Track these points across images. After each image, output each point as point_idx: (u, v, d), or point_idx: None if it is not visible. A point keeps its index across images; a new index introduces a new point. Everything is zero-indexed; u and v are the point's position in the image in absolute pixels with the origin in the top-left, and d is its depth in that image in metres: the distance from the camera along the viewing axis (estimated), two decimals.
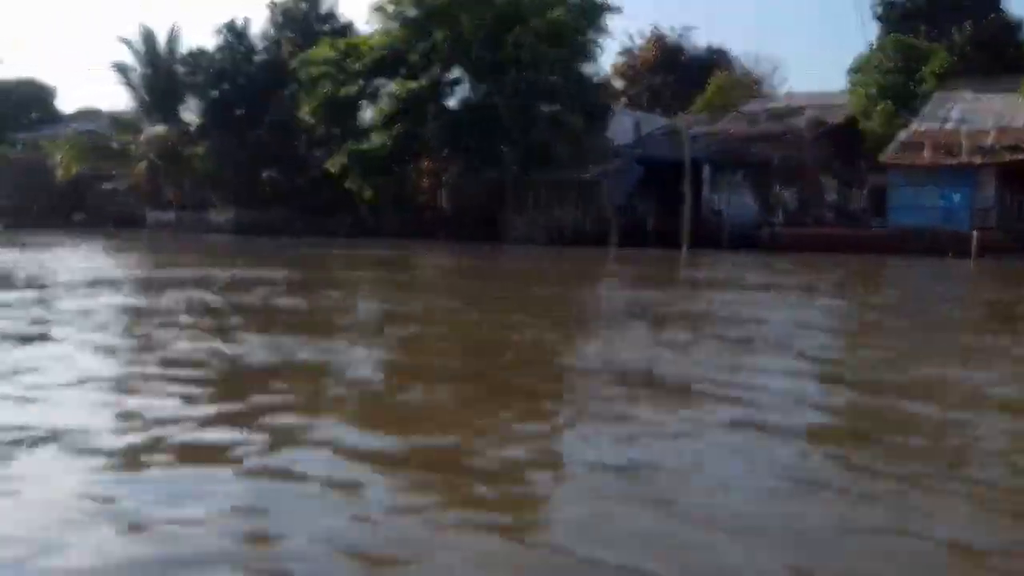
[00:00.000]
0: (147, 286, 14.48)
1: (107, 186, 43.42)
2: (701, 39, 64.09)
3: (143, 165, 39.72)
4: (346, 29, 39.35)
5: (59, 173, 39.13)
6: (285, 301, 11.91)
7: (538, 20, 30.60)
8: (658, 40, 52.28)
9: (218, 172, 37.39)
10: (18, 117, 51.33)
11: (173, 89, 39.33)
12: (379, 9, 33.35)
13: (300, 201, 37.45)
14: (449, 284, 17.14)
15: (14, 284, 13.45)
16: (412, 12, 32.27)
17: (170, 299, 11.53)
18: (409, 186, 35.21)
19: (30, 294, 11.95)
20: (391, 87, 32.27)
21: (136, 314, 10.50)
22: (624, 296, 14.33)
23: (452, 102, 32.79)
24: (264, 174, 37.64)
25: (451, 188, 33.76)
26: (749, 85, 46.05)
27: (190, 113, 39.80)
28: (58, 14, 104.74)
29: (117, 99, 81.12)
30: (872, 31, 41.02)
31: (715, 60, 51.03)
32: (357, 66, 33.01)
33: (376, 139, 31.91)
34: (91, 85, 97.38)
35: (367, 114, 34.46)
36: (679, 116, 39.51)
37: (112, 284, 14.27)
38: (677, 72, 51.05)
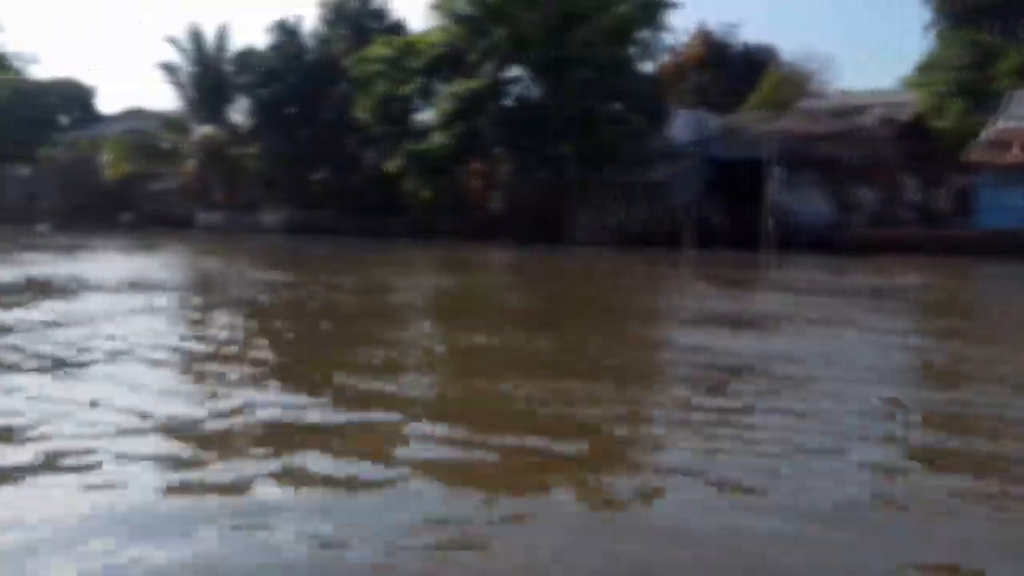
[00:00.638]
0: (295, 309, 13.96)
1: (153, 186, 43.09)
2: (747, 36, 62.97)
3: (191, 165, 39.38)
4: (397, 26, 38.85)
5: (108, 173, 38.77)
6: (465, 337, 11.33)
7: (602, 17, 29.96)
8: (704, 37, 51.42)
9: (270, 172, 36.93)
10: (57, 118, 51.18)
11: (222, 88, 38.93)
12: (437, 6, 32.77)
13: (351, 202, 36.97)
14: (582, 290, 16.50)
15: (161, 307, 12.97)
16: (471, 10, 31.67)
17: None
18: (464, 186, 34.64)
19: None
20: (450, 86, 31.64)
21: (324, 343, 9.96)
22: (757, 307, 13.65)
23: (510, 101, 32.12)
24: (315, 174, 37.13)
25: (508, 188, 33.09)
26: (802, 82, 45.17)
27: (239, 113, 39.38)
28: (97, 13, 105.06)
29: (158, 98, 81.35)
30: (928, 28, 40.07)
31: (763, 57, 50.19)
32: (415, 64, 32.44)
33: (436, 139, 31.32)
34: (131, 84, 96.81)
35: (422, 114, 33.93)
36: (738, 114, 38.77)
37: (243, 304, 13.76)
38: (723, 69, 50.22)
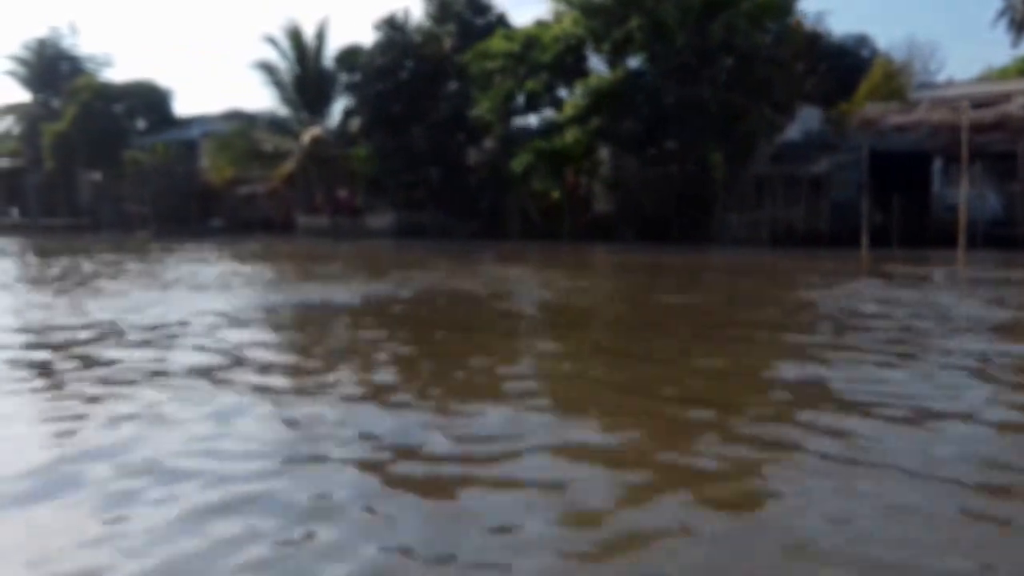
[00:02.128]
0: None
1: (242, 190, 42.02)
2: (838, 25, 60.84)
3: (289, 167, 38.22)
4: (501, 21, 37.54)
5: (211, 176, 37.64)
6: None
7: (744, 4, 28.52)
8: (796, 26, 49.73)
9: (377, 173, 35.69)
10: (134, 122, 50.22)
11: (324, 87, 37.72)
12: None
13: (463, 203, 35.74)
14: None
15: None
16: (603, 0, 30.28)
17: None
18: (586, 185, 33.35)
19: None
20: (582, 80, 30.28)
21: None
22: None
23: (646, 94, 30.69)
24: (424, 175, 35.89)
25: (641, 185, 31.67)
26: (911, 72, 43.54)
27: (342, 112, 38.19)
28: (175, 15, 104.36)
29: (230, 100, 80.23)
30: None
31: (856, 47, 48.55)
32: (542, 58, 31.08)
33: (569, 136, 29.97)
34: (210, 86, 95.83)
35: (547, 110, 32.62)
36: (849, 106, 37.21)
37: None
38: (816, 60, 48.57)
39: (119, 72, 79.33)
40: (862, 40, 50.21)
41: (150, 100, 50.47)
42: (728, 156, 29.35)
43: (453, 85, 35.61)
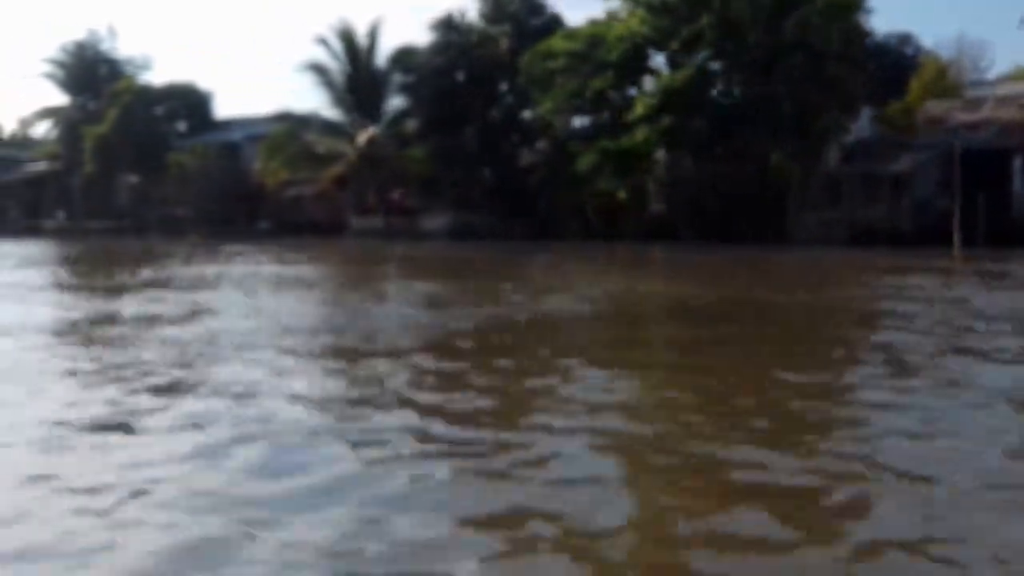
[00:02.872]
0: None
1: (288, 192, 41.68)
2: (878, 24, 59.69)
3: (339, 169, 37.93)
4: (555, 21, 37.27)
5: (265, 179, 37.35)
6: None
7: (823, 0, 28.20)
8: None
9: (435, 175, 35.41)
10: (174, 124, 50.00)
11: (376, 88, 37.44)
12: None
13: (515, 204, 35.42)
14: None
15: None
16: None
17: None
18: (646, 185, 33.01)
19: None
20: (652, 78, 30.00)
21: None
22: None
23: (717, 93, 30.46)
24: (479, 176, 35.61)
25: (705, 184, 31.30)
26: (963, 69, 43.14)
27: (393, 113, 37.90)
28: (213, 17, 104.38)
29: (273, 102, 79.72)
30: None
31: (900, 45, 48.13)
32: (607, 57, 30.78)
33: (638, 135, 29.64)
34: (249, 87, 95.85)
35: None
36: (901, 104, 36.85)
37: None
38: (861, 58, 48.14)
39: (157, 75, 79.26)
40: (905, 38, 49.81)
41: (190, 102, 50.23)
42: (798, 155, 29.01)
43: (505, 86, 35.36)
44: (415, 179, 36.64)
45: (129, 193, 51.27)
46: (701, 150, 30.07)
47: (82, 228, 46.03)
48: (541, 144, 34.45)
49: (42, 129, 56.17)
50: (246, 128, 47.49)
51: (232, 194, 43.74)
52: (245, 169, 44.82)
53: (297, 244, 34.05)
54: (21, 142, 61.72)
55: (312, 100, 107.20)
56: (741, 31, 28.65)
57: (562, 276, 17.71)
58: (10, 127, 66.94)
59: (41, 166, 54.93)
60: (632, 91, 31.39)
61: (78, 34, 71.04)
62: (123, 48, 78.97)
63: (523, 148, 36.38)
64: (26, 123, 57.68)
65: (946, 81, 39.80)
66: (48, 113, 53.50)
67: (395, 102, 37.92)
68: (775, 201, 29.28)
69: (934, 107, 34.56)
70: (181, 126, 50.12)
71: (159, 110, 48.75)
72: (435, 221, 36.64)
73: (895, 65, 45.15)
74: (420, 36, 63.94)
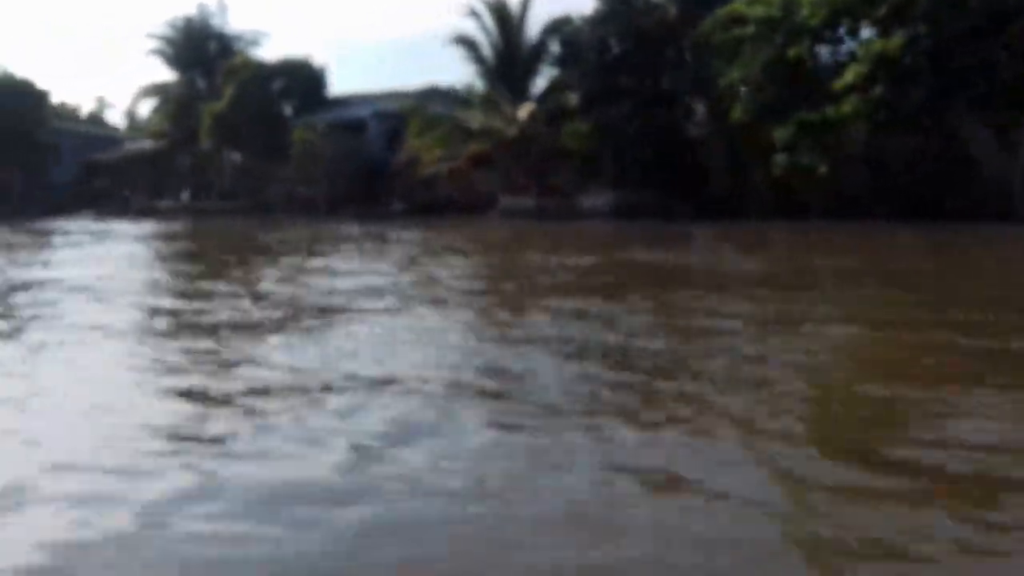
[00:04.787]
0: None
1: (429, 170, 40.14)
2: None
3: (486, 146, 36.31)
4: None
5: (420, 159, 35.75)
6: None
7: None
8: None
9: (596, 151, 33.70)
10: (288, 101, 48.67)
11: (529, 61, 35.72)
12: None
13: (683, 181, 33.63)
14: None
15: None
16: None
17: None
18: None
19: None
20: (862, 45, 28.03)
21: None
22: None
23: (926, 59, 28.34)
24: (642, 153, 33.78)
25: (905, 157, 29.28)
26: None
27: (545, 87, 36.18)
28: None
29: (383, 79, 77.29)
30: None
31: None
32: (809, 22, 28.83)
33: (847, 106, 27.70)
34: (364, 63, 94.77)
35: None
36: None
37: None
38: None
39: (268, 51, 77.98)
40: None
41: (304, 78, 48.89)
42: (1012, 126, 26.98)
43: (679, 56, 33.50)
44: (574, 156, 34.91)
45: (242, 172, 50.07)
46: (911, 122, 28.06)
47: (205, 208, 44.90)
48: (717, 116, 32.58)
49: (146, 107, 55.10)
50: (365, 105, 46.06)
51: (362, 173, 42.36)
52: (371, 147, 43.46)
53: (450, 225, 32.59)
54: (128, 122, 60.84)
55: (433, 75, 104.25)
56: None
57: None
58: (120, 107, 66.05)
59: (146, 144, 53.87)
60: (830, 60, 29.40)
61: (187, 9, 70.05)
62: (233, 23, 78.22)
63: (690, 121, 34.54)
64: (133, 100, 56.73)
65: None
66: (156, 90, 52.35)
67: (547, 76, 36.17)
68: (985, 176, 27.30)
69: None
70: (292, 104, 48.76)
71: (275, 86, 47.40)
72: (595, 200, 34.93)
73: None
74: (574, 5, 61.60)
